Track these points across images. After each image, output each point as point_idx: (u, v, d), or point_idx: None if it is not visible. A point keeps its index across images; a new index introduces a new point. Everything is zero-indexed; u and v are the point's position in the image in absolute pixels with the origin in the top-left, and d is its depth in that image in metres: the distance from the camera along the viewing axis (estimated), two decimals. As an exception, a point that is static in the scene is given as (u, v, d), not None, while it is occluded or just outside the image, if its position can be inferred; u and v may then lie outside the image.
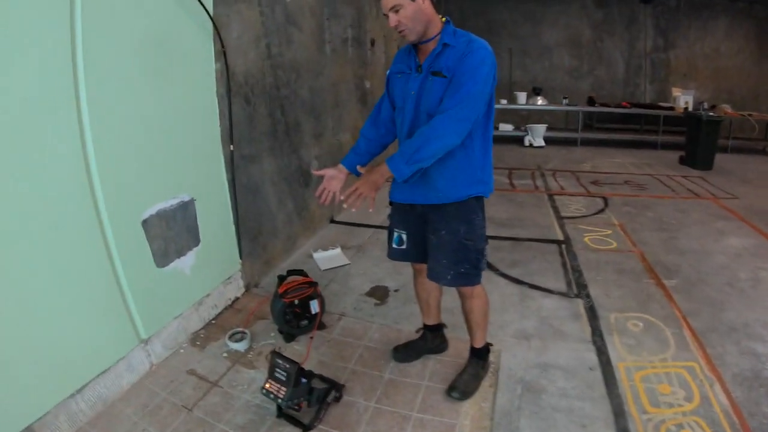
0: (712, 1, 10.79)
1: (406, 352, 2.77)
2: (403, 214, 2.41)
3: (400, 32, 2.05)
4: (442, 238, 2.26)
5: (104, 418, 2.31)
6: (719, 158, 8.11)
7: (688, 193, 6.42)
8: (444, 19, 2.12)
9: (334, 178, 2.35)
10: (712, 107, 9.58)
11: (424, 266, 2.43)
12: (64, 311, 2.20)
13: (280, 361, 2.22)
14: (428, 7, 2.03)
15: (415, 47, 2.17)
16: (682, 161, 8.40)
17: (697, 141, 7.96)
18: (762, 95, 11.13)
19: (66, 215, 2.18)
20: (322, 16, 4.65)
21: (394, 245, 2.48)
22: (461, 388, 2.47)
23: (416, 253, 2.44)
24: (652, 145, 9.89)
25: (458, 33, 2.09)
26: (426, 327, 2.78)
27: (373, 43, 6.14)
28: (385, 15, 2.04)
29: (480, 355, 2.57)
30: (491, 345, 2.64)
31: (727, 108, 9.49)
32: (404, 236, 2.43)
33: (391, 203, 2.46)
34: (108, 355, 2.44)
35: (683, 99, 9.65)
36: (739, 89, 11.17)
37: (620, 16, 11.18)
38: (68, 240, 2.20)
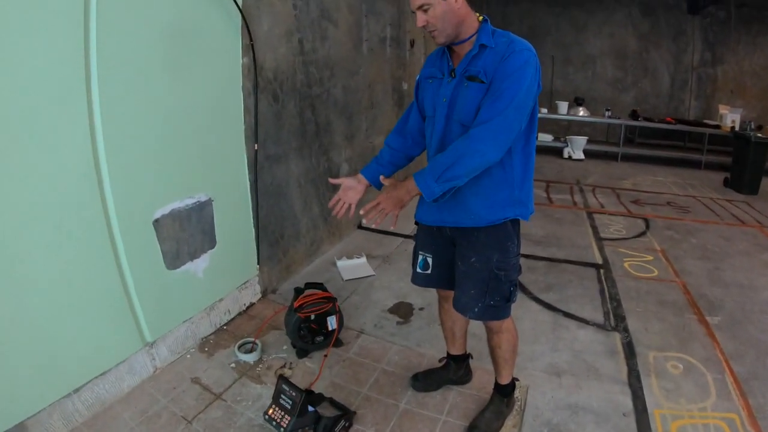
0: (763, 14, 10.33)
1: (426, 380, 2.57)
2: (429, 235, 2.19)
3: (430, 33, 1.84)
4: (471, 266, 2.03)
5: (101, 420, 2.24)
6: (765, 182, 7.76)
7: (732, 219, 6.12)
8: (481, 17, 1.89)
9: (351, 188, 2.17)
10: (759, 127, 9.19)
11: (451, 293, 2.22)
12: (64, 309, 2.13)
13: (286, 388, 2.06)
14: (462, 7, 1.80)
15: (449, 49, 1.94)
16: (727, 183, 8.04)
17: (744, 163, 7.59)
18: (810, 118, 10.63)
19: (71, 211, 2.12)
20: (361, 12, 4.47)
21: (419, 269, 2.26)
22: (482, 427, 2.27)
23: (442, 279, 2.23)
24: (696, 164, 9.52)
25: (497, 33, 1.85)
26: (450, 356, 2.58)
27: (412, 43, 5.93)
28: (413, 13, 1.83)
29: (505, 392, 2.37)
30: (517, 380, 2.43)
31: (776, 129, 9.08)
32: (430, 260, 2.21)
33: (417, 222, 2.26)
34: (109, 357, 2.37)
35: (730, 117, 9.25)
36: (788, 109, 10.70)
37: (667, 27, 10.79)
38: (73, 237, 2.12)
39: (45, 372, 2.06)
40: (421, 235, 2.23)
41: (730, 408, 2.58)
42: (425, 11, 1.77)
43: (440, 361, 2.64)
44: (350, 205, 2.15)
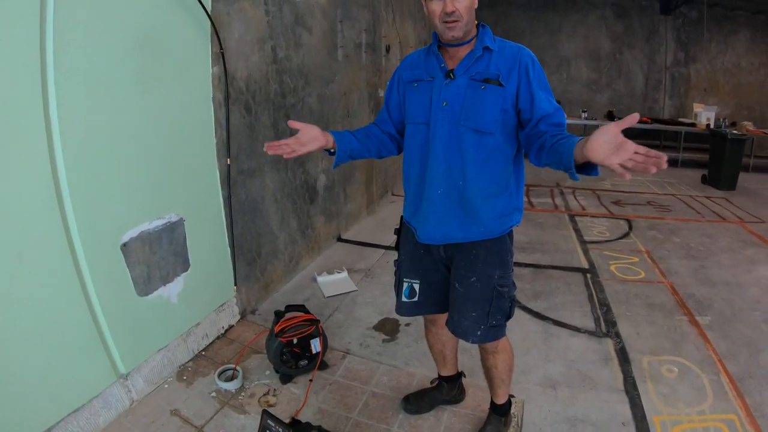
0: (734, 13, 10.51)
1: (418, 402, 2.44)
2: (415, 259, 2.04)
3: (450, 24, 1.69)
4: (471, 286, 1.91)
5: (78, 459, 2.10)
6: (741, 177, 7.90)
7: (714, 216, 6.18)
8: (477, 22, 1.81)
9: (313, 139, 1.85)
10: (733, 124, 9.33)
11: (439, 316, 2.12)
12: (29, 344, 1.99)
13: (271, 423, 1.93)
14: (474, 9, 1.75)
15: (439, 49, 1.83)
16: (705, 180, 8.14)
17: (721, 160, 7.69)
18: (783, 113, 10.83)
19: (31, 239, 1.97)
20: (335, 18, 4.36)
21: (404, 298, 2.09)
22: None
23: (432, 304, 2.09)
24: (673, 163, 9.60)
25: (495, 38, 1.83)
26: (441, 377, 2.45)
27: (388, 49, 5.84)
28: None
29: (502, 412, 2.27)
30: (513, 397, 2.33)
31: (749, 125, 9.21)
32: (417, 286, 2.06)
33: (397, 246, 2.13)
34: (82, 391, 2.21)
35: (705, 115, 9.35)
36: (760, 105, 10.91)
37: (640, 28, 10.91)
38: (34, 266, 1.97)
39: (13, 413, 1.92)
40: (405, 260, 2.09)
41: (728, 409, 2.56)
42: None
43: (432, 382, 2.52)
44: (294, 152, 1.84)
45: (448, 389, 2.45)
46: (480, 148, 1.78)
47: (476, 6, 1.74)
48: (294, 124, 1.84)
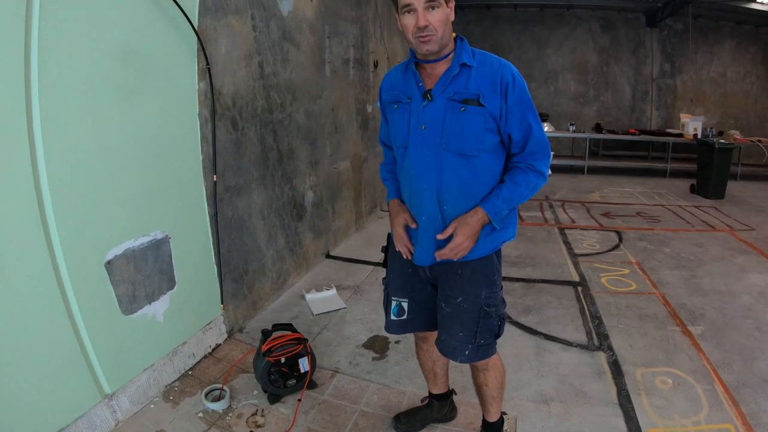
0: (719, 24, 10.67)
1: (408, 422, 2.38)
2: (404, 278, 2.01)
3: (423, 38, 1.63)
4: (458, 306, 1.87)
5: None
6: (729, 186, 7.99)
7: (703, 225, 6.21)
8: (454, 35, 1.76)
9: (406, 221, 1.92)
10: (720, 133, 9.43)
11: (429, 333, 2.09)
12: (12, 364, 1.93)
13: (258, 447, 1.85)
14: (450, 23, 1.69)
15: (417, 66, 1.79)
16: (693, 190, 8.20)
17: (710, 169, 7.76)
18: (769, 120, 10.99)
19: (13, 256, 1.92)
20: (323, 33, 4.36)
21: (393, 316, 2.05)
22: None
23: (420, 322, 2.06)
24: (661, 173, 9.71)
25: (474, 51, 1.75)
26: (432, 395, 2.40)
27: (376, 65, 5.86)
28: (406, 12, 1.64)
29: (494, 429, 2.22)
30: (505, 414, 2.28)
31: (736, 134, 9.32)
32: (405, 305, 2.02)
33: (385, 264, 2.09)
34: (66, 412, 2.15)
35: (692, 125, 9.45)
36: (746, 114, 11.06)
37: (627, 41, 11.05)
38: (16, 284, 1.92)
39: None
40: (394, 278, 2.05)
41: (724, 419, 2.53)
42: (433, 8, 1.61)
43: (422, 401, 2.46)
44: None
45: (439, 407, 2.40)
46: (463, 170, 1.75)
47: (453, 19, 1.69)
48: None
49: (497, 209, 1.74)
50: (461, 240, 1.73)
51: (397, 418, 2.39)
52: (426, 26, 1.61)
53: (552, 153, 1.83)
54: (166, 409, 2.51)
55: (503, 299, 1.96)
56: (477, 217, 1.73)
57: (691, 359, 3.06)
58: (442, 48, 1.68)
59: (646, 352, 3.15)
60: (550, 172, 1.83)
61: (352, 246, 5.11)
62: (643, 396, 2.70)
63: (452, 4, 1.68)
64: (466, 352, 1.89)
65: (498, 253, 1.91)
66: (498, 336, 1.93)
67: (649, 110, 11.34)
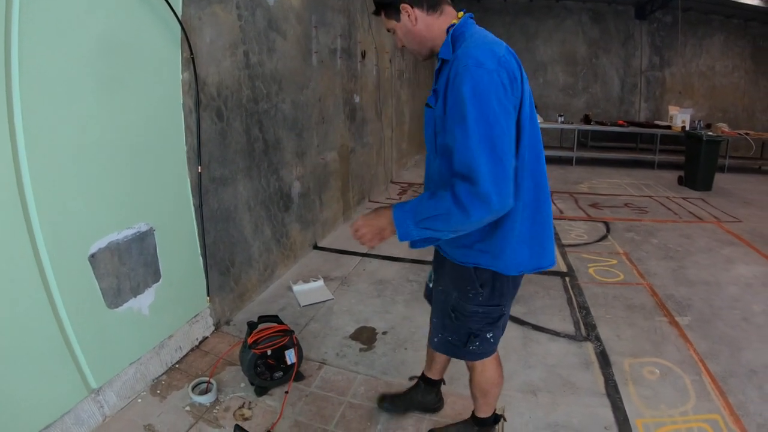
0: (708, 17, 10.71)
1: (393, 402, 2.44)
2: (437, 253, 2.00)
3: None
4: (437, 292, 1.91)
5: (49, 478, 2.01)
6: (717, 178, 8.06)
7: (690, 217, 6.26)
8: (460, 15, 1.68)
9: None
10: (708, 126, 9.48)
11: None
12: None
13: (243, 439, 1.84)
14: (420, 27, 1.64)
15: None
16: (681, 182, 8.25)
17: (697, 161, 7.81)
18: (757, 113, 11.08)
19: None
20: (310, 23, 4.31)
21: (427, 281, 2.16)
22: None
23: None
24: (649, 165, 9.76)
25: (459, 42, 1.59)
26: (423, 377, 2.41)
27: (364, 55, 5.80)
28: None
29: (479, 423, 2.19)
30: (504, 418, 2.28)
31: (724, 127, 9.38)
32: (434, 275, 2.03)
33: None
34: (52, 408, 2.12)
35: (680, 117, 9.50)
36: (734, 107, 11.13)
37: (616, 33, 11.08)
38: None
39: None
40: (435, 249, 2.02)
41: (711, 409, 2.55)
42: (393, 33, 1.72)
43: (411, 379, 2.54)
44: None
45: (424, 391, 2.41)
46: (433, 168, 1.74)
47: (418, 29, 1.64)
48: None
49: (401, 214, 1.57)
50: (359, 224, 1.68)
51: (383, 398, 2.46)
52: (402, 46, 1.75)
53: (495, 185, 1.41)
54: (153, 403, 2.49)
55: (491, 323, 1.84)
56: (386, 220, 1.62)
57: (678, 350, 3.07)
58: (424, 56, 1.75)
59: (634, 342, 3.16)
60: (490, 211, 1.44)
61: (339, 237, 5.07)
62: (631, 386, 2.72)
63: (405, 14, 1.63)
64: (435, 340, 1.95)
65: (483, 271, 1.73)
66: (467, 347, 1.86)
67: (638, 102, 11.38)
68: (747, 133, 9.28)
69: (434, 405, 2.45)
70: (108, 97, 2.27)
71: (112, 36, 2.26)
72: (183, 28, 2.64)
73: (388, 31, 1.74)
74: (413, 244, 1.66)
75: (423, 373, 2.41)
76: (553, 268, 4.27)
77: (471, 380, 2.07)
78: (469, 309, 1.78)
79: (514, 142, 1.51)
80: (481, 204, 1.40)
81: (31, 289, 2.02)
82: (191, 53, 2.71)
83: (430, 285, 2.07)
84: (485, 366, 1.99)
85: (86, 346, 2.25)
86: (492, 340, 1.88)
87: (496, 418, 2.21)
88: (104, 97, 2.25)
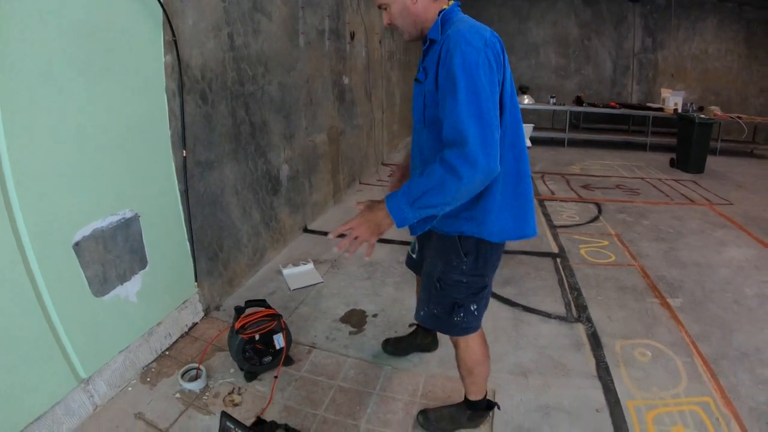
0: (702, 0, 10.64)
1: (396, 345, 2.77)
2: None
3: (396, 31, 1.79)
4: (426, 265, 2.01)
5: (42, 470, 1.99)
6: (709, 161, 8.06)
7: (682, 199, 6.25)
8: (450, 2, 1.78)
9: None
10: (700, 108, 9.48)
11: None
12: None
13: (231, 426, 1.83)
14: (420, 5, 1.71)
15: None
16: (673, 164, 8.25)
17: (689, 144, 7.80)
18: (750, 97, 11.07)
19: None
20: (296, 3, 4.23)
21: (409, 251, 2.33)
22: (431, 418, 2.23)
23: (419, 267, 2.21)
24: (641, 147, 9.75)
25: (448, 25, 1.68)
26: (419, 325, 2.73)
27: (352, 36, 5.72)
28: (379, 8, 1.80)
29: (471, 406, 2.20)
30: (497, 405, 2.28)
31: (717, 110, 9.37)
32: (417, 245, 2.22)
33: None
34: (42, 399, 2.09)
35: (672, 100, 9.49)
36: (727, 91, 11.10)
37: (609, 15, 11.01)
38: None
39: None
40: None
41: (703, 391, 2.55)
42: (385, 10, 1.75)
43: (410, 326, 2.95)
44: None
45: (422, 336, 2.75)
46: (421, 142, 1.81)
47: (416, 9, 1.71)
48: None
49: (395, 201, 1.59)
50: (354, 224, 1.65)
51: (387, 341, 2.79)
52: (388, 24, 1.78)
53: (481, 144, 1.48)
54: (143, 391, 2.47)
55: (476, 292, 1.90)
56: (382, 212, 1.62)
57: (669, 331, 3.07)
58: (413, 36, 1.79)
59: (625, 324, 3.16)
60: (482, 171, 1.49)
61: (330, 220, 5.04)
62: (622, 368, 2.71)
63: None
64: (421, 313, 2.02)
65: (467, 239, 1.80)
66: (451, 318, 1.92)
67: (630, 84, 11.35)
68: (739, 117, 9.27)
69: (431, 345, 2.77)
70: (89, 82, 2.21)
71: (91, 20, 2.19)
72: (164, 10, 2.56)
73: (379, 8, 1.76)
74: (413, 229, 1.79)
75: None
76: (545, 249, 4.34)
77: (456, 358, 2.09)
78: (453, 278, 1.86)
79: (499, 115, 1.58)
80: (470, 166, 1.46)
81: (16, 279, 1.97)
82: (173, 36, 2.65)
83: (413, 255, 2.26)
84: (468, 343, 2.02)
85: (74, 335, 2.22)
86: (476, 313, 1.93)
87: (490, 405, 2.23)
88: (85, 83, 2.19)
